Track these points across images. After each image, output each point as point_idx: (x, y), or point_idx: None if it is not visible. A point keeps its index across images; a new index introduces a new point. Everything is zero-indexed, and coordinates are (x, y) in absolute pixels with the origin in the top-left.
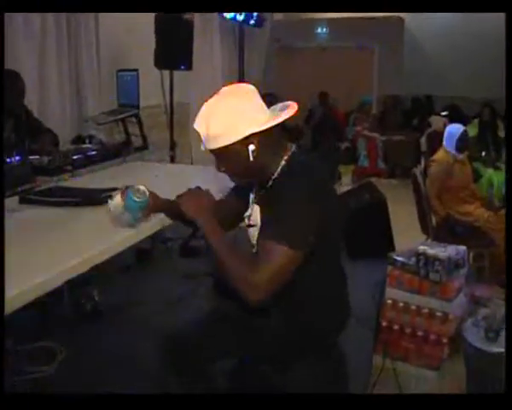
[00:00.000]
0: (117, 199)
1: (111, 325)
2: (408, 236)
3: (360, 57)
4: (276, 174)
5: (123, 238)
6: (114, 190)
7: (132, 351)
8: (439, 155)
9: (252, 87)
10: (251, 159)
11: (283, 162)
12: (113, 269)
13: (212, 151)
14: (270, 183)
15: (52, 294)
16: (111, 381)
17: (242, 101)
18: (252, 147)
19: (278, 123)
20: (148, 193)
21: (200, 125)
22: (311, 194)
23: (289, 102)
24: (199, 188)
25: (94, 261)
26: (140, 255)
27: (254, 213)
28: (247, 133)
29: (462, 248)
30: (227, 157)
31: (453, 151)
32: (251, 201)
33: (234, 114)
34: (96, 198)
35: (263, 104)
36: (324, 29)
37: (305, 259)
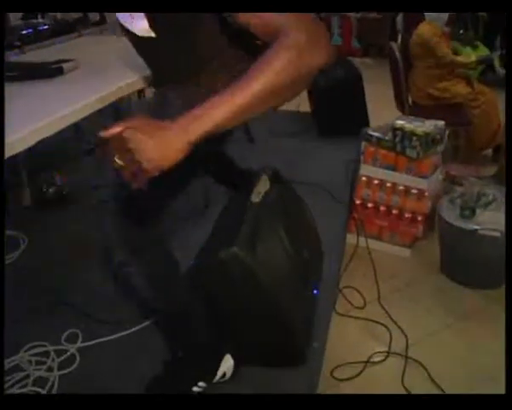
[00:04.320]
0: None
1: (75, 211)
2: (383, 115)
3: None
4: None
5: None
6: (65, 61)
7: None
8: (425, 27)
9: None
10: None
11: None
12: (76, 152)
13: None
14: None
15: (12, 182)
16: (76, 269)
17: None
18: None
19: None
20: None
21: None
22: None
23: None
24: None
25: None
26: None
27: None
28: None
29: (441, 123)
30: None
31: (441, 23)
32: None
33: None
34: (46, 70)
35: None
36: None
37: None
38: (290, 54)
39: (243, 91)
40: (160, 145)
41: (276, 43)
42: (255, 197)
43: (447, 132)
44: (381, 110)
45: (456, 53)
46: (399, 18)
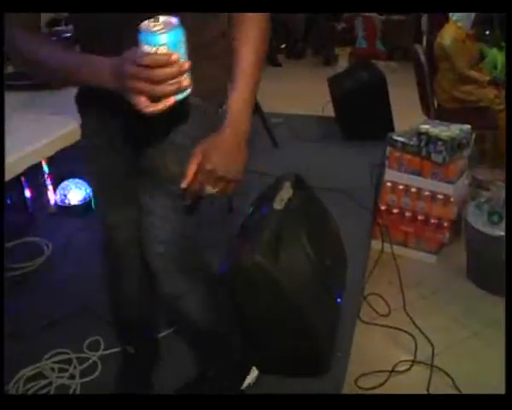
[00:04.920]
0: None
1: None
2: (408, 119)
3: None
4: None
5: None
6: None
7: None
8: (450, 29)
9: None
10: None
11: None
12: None
13: None
14: None
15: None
16: (98, 276)
17: None
18: None
19: None
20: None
21: None
22: None
23: None
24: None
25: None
26: None
27: None
28: None
29: (467, 126)
30: None
31: (467, 24)
32: None
33: None
34: None
35: None
36: None
37: None
38: (265, 24)
39: (256, 67)
40: (233, 153)
41: (250, 19)
42: (278, 204)
43: (473, 136)
44: (407, 114)
45: (482, 55)
46: (424, 19)
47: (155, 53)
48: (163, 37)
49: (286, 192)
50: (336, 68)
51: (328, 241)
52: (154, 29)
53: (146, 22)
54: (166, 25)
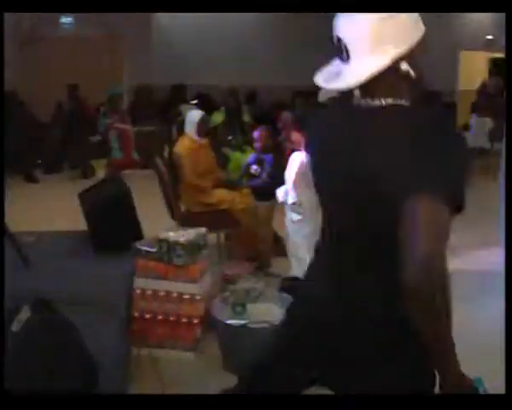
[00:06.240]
0: None
1: None
2: (160, 225)
3: (110, 46)
4: None
5: None
6: None
7: None
8: (184, 141)
9: None
10: None
11: None
12: None
13: None
14: None
15: None
16: None
17: None
18: None
19: None
20: None
21: None
22: None
23: None
24: None
25: None
26: None
27: None
28: None
29: (202, 229)
30: None
31: (195, 136)
32: None
33: None
34: None
35: None
36: (69, 18)
37: None
38: None
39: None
40: None
41: None
42: (15, 327)
43: (223, 236)
44: (159, 220)
45: (226, 158)
46: (174, 129)
47: None
48: None
49: (24, 314)
50: (94, 181)
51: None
52: None
53: None
54: None
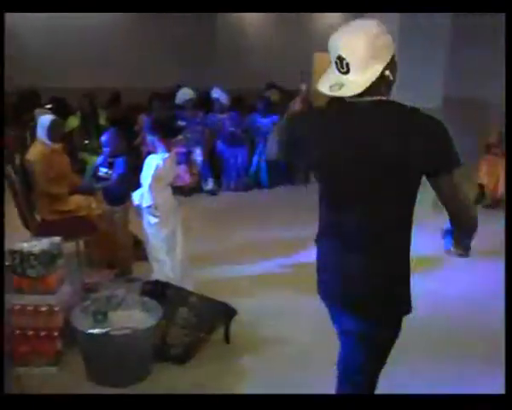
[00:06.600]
0: None
1: None
2: (19, 236)
3: None
4: None
5: None
6: None
7: None
8: (36, 147)
9: None
10: None
11: None
12: None
13: None
14: None
15: None
16: None
17: None
18: None
19: None
20: None
21: None
22: None
23: None
24: None
25: None
26: None
27: None
28: None
29: (57, 238)
30: None
31: (47, 141)
32: None
33: None
34: None
35: None
36: None
37: None
38: None
39: None
40: None
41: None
42: None
43: (82, 243)
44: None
45: (84, 163)
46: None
47: None
48: None
49: None
50: None
51: None
52: None
53: None
54: None
